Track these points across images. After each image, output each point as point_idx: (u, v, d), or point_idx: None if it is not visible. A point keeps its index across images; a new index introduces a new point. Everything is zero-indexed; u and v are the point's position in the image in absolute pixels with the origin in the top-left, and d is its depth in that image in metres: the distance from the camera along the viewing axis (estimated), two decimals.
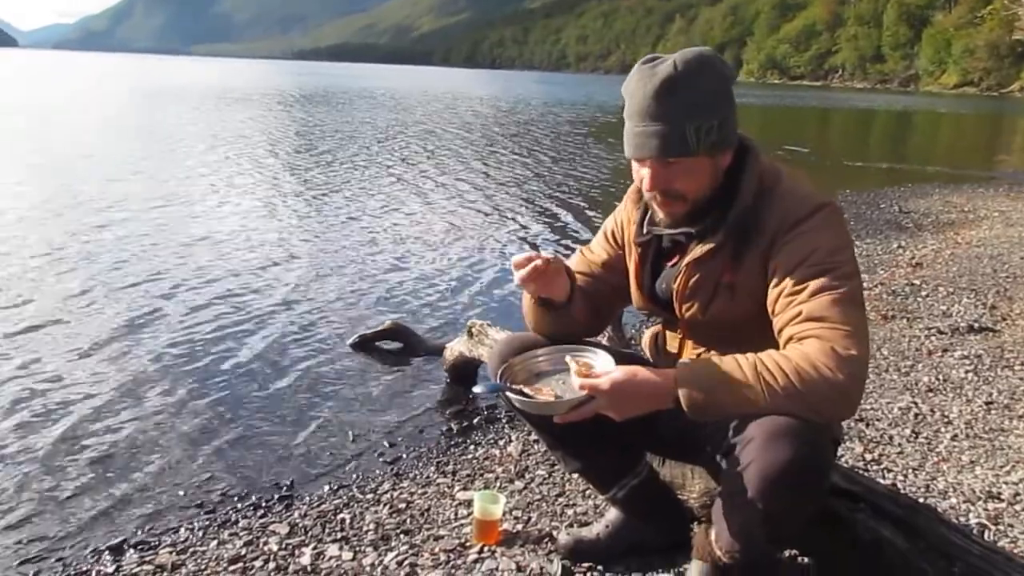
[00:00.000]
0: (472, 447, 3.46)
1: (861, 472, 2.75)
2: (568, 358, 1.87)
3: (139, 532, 2.79)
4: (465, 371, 4.14)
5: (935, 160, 18.44)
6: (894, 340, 4.60)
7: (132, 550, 2.67)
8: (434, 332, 5.06)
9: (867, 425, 3.38)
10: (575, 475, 2.62)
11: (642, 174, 1.85)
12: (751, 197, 1.84)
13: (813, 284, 1.70)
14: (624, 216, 2.12)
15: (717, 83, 1.80)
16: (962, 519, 2.61)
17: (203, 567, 2.48)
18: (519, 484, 2.95)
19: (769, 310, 1.79)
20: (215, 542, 2.66)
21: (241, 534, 2.70)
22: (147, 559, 2.57)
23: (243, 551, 2.57)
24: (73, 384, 4.05)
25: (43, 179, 10.53)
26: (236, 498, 3.04)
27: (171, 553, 2.60)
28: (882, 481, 2.73)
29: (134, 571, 2.50)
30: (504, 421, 3.72)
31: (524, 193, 10.97)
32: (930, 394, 3.78)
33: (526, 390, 1.84)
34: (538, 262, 1.88)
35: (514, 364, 1.97)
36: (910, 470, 2.99)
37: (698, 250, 1.88)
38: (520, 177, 12.59)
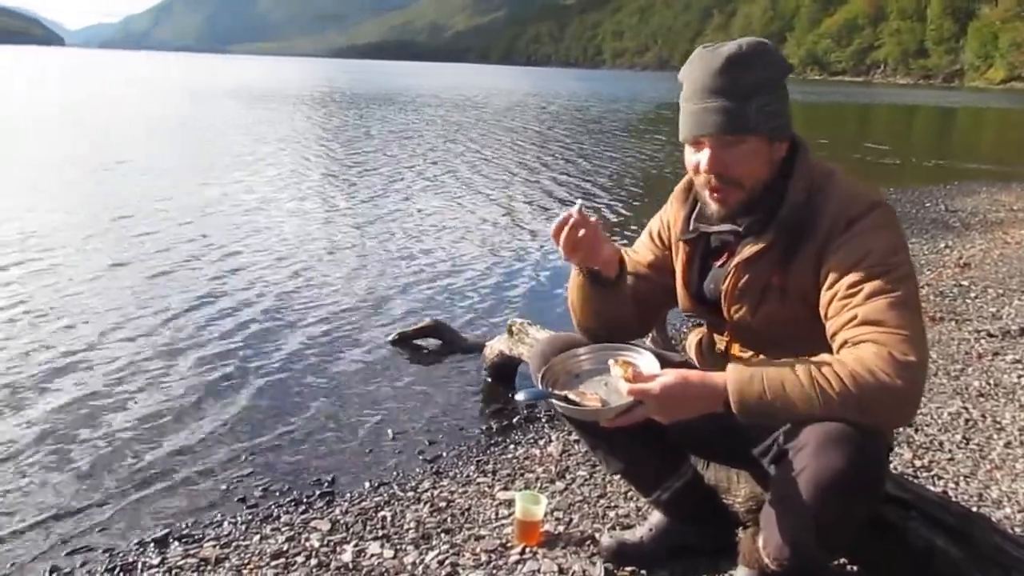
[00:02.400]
0: (512, 446, 3.44)
1: (910, 479, 2.70)
2: (611, 361, 1.84)
3: (183, 525, 2.82)
4: (505, 370, 4.13)
5: (982, 157, 18.07)
6: (942, 343, 4.50)
7: (177, 543, 2.69)
8: (474, 330, 5.05)
9: (916, 430, 3.30)
10: (617, 477, 2.60)
11: (697, 158, 1.82)
12: (803, 195, 1.80)
13: (868, 287, 1.65)
14: (670, 215, 2.09)
15: (778, 70, 1.81)
16: (1017, 529, 2.54)
17: (246, 561, 2.50)
18: (560, 485, 2.93)
19: (821, 313, 1.75)
20: (257, 537, 2.68)
21: (283, 529, 2.72)
22: (191, 552, 2.60)
23: (285, 546, 2.58)
24: (116, 380, 4.11)
25: (97, 171, 10.73)
26: (278, 493, 3.06)
27: (215, 547, 2.62)
28: (932, 488, 2.67)
29: (179, 563, 2.52)
30: (544, 421, 3.70)
31: (570, 192, 10.93)
32: (981, 399, 3.69)
33: (571, 396, 1.81)
34: (574, 217, 1.83)
35: (555, 364, 1.95)
36: (961, 477, 2.92)
37: (747, 250, 1.84)
38: (566, 175, 12.54)
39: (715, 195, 1.84)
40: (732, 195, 1.82)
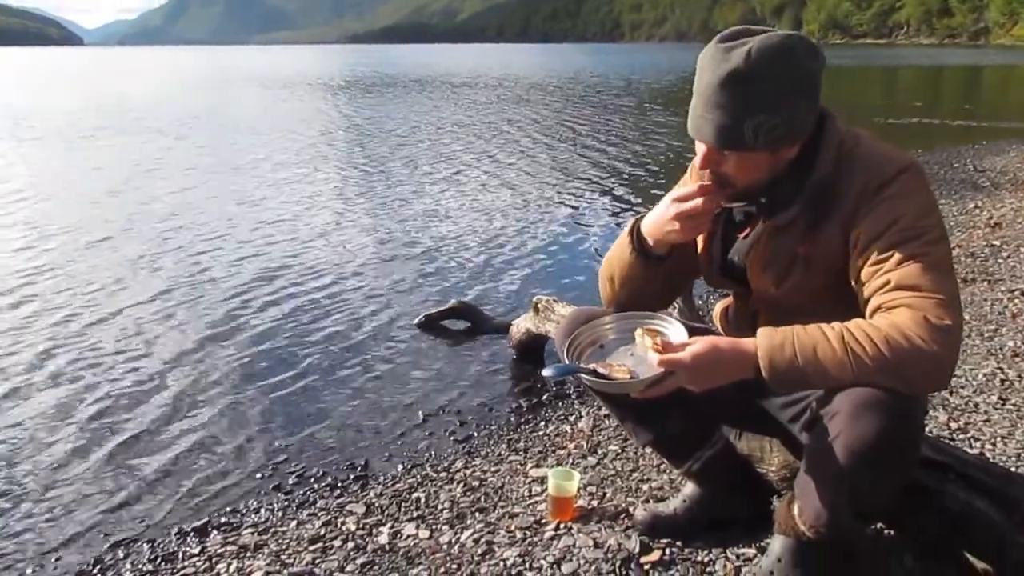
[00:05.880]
0: (543, 424, 3.45)
1: (947, 441, 2.67)
2: (637, 331, 1.82)
3: (221, 514, 2.86)
4: (532, 348, 4.14)
5: (1010, 115, 17.71)
6: (975, 304, 4.43)
7: (216, 531, 2.74)
8: (500, 309, 5.06)
9: (951, 393, 3.26)
10: (648, 448, 2.59)
11: (698, 149, 1.80)
12: (831, 165, 1.76)
13: (901, 251, 1.62)
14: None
15: (793, 77, 1.68)
16: None
17: (284, 547, 2.53)
18: (592, 460, 2.93)
19: (852, 280, 1.72)
20: (294, 522, 2.71)
21: (319, 514, 2.75)
22: (230, 539, 2.63)
23: (322, 531, 2.60)
24: (149, 370, 4.16)
25: (122, 163, 10.84)
26: (312, 479, 3.09)
27: (253, 534, 2.65)
28: (969, 450, 2.64)
29: (219, 551, 2.56)
30: (574, 397, 3.71)
31: (588, 168, 10.89)
32: (1016, 359, 3.63)
33: (599, 369, 1.79)
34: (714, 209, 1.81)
35: (579, 335, 1.93)
36: (999, 438, 2.87)
37: (773, 221, 1.81)
38: (584, 152, 12.48)
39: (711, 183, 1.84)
40: (726, 190, 1.81)
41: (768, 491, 2.30)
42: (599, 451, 3.00)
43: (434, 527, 2.54)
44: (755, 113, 1.66)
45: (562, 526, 2.41)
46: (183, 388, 3.95)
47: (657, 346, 1.70)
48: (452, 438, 3.41)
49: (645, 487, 2.66)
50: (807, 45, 1.70)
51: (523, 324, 4.15)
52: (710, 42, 1.75)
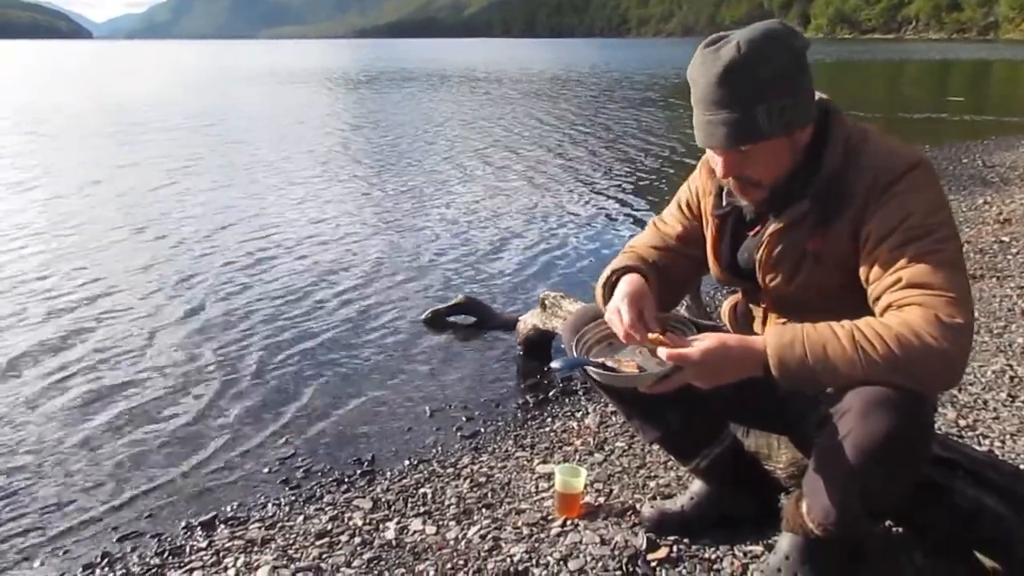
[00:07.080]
0: (549, 420, 3.45)
1: (955, 438, 2.66)
2: None
3: (229, 508, 2.87)
4: (539, 344, 4.13)
5: (1020, 111, 17.60)
6: (984, 300, 4.41)
7: (223, 526, 2.74)
8: (507, 305, 5.05)
9: (960, 390, 3.24)
10: (655, 445, 2.58)
11: (716, 160, 1.79)
12: (839, 160, 1.75)
13: (911, 249, 1.61)
14: (699, 185, 2.05)
15: (788, 59, 1.68)
16: None
17: (291, 541, 2.53)
18: (599, 456, 2.92)
19: (862, 278, 1.71)
20: (301, 517, 2.71)
21: (326, 509, 2.75)
22: (238, 534, 2.64)
23: (329, 526, 2.61)
24: (156, 365, 4.17)
25: (134, 157, 10.87)
26: (319, 474, 3.10)
27: (260, 528, 2.66)
28: (978, 448, 2.63)
29: (226, 546, 2.56)
30: (581, 393, 3.70)
31: (597, 164, 10.85)
32: None
33: (608, 363, 1.79)
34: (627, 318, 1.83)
35: (587, 331, 1.93)
36: (1008, 436, 2.86)
37: (782, 219, 1.80)
38: (593, 148, 12.44)
39: (740, 194, 1.84)
40: (755, 193, 1.81)
41: (775, 488, 2.29)
42: (606, 447, 3.00)
43: (441, 523, 2.54)
44: (763, 99, 1.65)
45: (569, 522, 2.41)
46: (190, 382, 3.96)
47: (666, 342, 1.70)
48: (459, 434, 3.41)
49: (652, 484, 2.66)
50: (786, 28, 1.72)
51: (530, 320, 4.14)
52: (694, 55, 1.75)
